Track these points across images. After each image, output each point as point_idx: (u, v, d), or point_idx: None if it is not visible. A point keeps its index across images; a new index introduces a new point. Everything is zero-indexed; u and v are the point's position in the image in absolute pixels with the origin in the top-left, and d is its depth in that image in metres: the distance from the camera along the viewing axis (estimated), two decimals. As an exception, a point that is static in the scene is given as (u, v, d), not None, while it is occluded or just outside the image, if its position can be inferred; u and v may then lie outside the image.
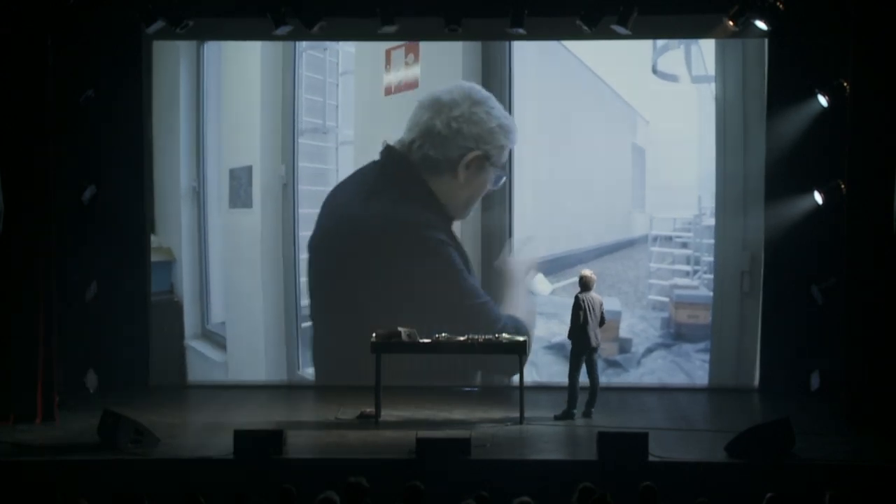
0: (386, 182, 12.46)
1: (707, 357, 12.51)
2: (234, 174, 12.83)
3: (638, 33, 11.69)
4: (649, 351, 12.63)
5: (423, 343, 11.10)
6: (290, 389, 12.54)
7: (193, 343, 12.92)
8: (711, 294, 12.50)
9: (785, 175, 12.00)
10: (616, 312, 12.48)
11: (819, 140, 11.71)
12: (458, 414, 11.22)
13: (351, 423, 10.82)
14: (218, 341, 12.97)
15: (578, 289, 11.03)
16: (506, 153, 12.44)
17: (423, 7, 11.63)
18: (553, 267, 12.71)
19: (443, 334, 11.30)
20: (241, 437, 9.36)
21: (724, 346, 12.44)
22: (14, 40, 10.71)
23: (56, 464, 9.28)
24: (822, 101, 11.56)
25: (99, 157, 12.09)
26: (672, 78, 12.55)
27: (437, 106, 12.40)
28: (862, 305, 10.63)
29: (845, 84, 11.08)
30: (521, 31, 11.56)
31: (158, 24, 11.55)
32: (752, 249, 12.34)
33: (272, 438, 9.41)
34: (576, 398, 10.90)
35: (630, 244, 12.74)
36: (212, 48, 12.78)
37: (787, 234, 11.98)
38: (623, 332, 12.61)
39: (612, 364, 12.57)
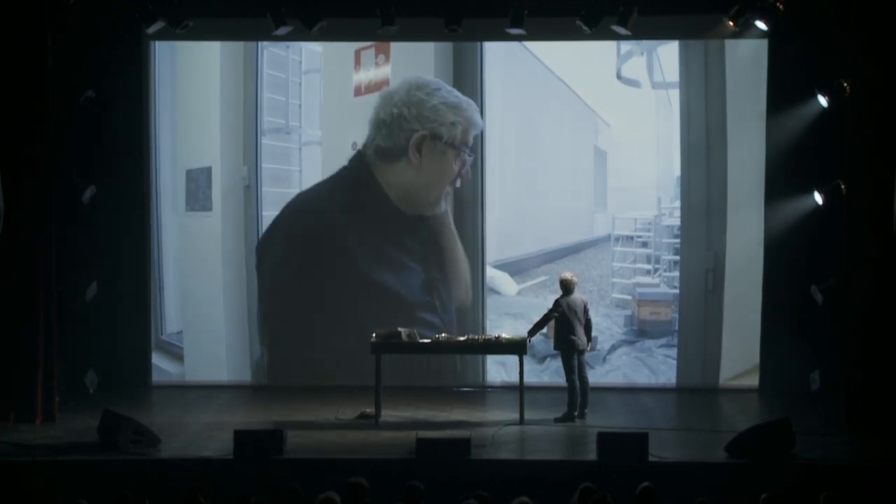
0: (342, 187, 12.53)
1: (669, 352, 12.67)
2: (191, 175, 12.59)
3: (638, 34, 11.68)
4: (614, 348, 12.80)
5: (423, 343, 11.10)
6: (290, 390, 12.51)
7: None
8: (672, 291, 12.71)
9: (785, 175, 12.01)
10: None
11: (819, 140, 11.71)
12: (458, 414, 11.23)
13: (351, 423, 10.83)
14: (174, 352, 12.74)
15: (558, 292, 11.04)
16: (460, 131, 12.35)
17: (423, 7, 11.63)
18: (519, 267, 12.86)
19: (442, 335, 11.31)
20: (241, 437, 9.36)
21: (690, 343, 12.59)
22: (14, 40, 10.71)
23: (56, 464, 9.28)
24: (822, 101, 11.56)
25: (99, 157, 12.08)
26: (635, 84, 12.72)
27: (381, 98, 12.50)
28: (862, 305, 10.63)
29: (845, 84, 11.08)
30: (520, 31, 11.56)
31: (158, 24, 11.53)
32: (715, 248, 12.48)
33: (272, 438, 9.41)
34: (576, 401, 10.89)
35: (593, 244, 12.94)
36: (164, 44, 12.53)
37: (787, 234, 11.99)
38: None
39: None
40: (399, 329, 11.05)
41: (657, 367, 12.73)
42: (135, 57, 12.35)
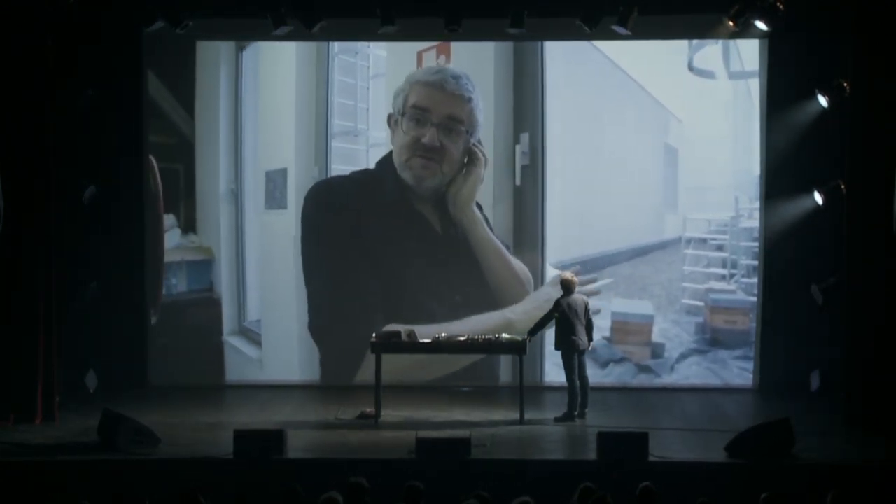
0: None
1: (745, 365, 12.36)
2: (269, 176, 13.01)
3: (638, 34, 11.67)
4: (683, 357, 12.43)
5: (423, 343, 11.11)
6: (291, 389, 12.53)
7: (231, 339, 13.06)
8: (750, 299, 12.34)
9: (785, 175, 12.01)
10: (648, 316, 12.37)
11: (819, 140, 11.72)
12: (458, 414, 11.22)
13: (351, 423, 10.83)
14: (253, 338, 13.10)
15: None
16: (402, 98, 12.48)
17: (423, 7, 11.63)
18: (583, 269, 12.40)
19: (442, 334, 11.32)
20: (241, 437, 9.35)
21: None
22: (14, 40, 10.71)
23: (56, 464, 9.28)
24: (822, 101, 11.57)
25: (99, 157, 12.09)
26: (709, 75, 12.36)
27: None
28: (862, 305, 10.63)
29: (845, 84, 11.08)
30: (521, 30, 11.55)
31: (158, 24, 11.56)
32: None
33: (272, 438, 9.41)
34: (576, 401, 10.90)
35: (662, 246, 12.53)
36: (250, 52, 12.88)
37: (787, 234, 11.99)
38: (655, 337, 12.45)
39: (645, 369, 12.45)
40: (399, 329, 11.06)
41: (731, 379, 12.36)
42: (135, 57, 12.36)
